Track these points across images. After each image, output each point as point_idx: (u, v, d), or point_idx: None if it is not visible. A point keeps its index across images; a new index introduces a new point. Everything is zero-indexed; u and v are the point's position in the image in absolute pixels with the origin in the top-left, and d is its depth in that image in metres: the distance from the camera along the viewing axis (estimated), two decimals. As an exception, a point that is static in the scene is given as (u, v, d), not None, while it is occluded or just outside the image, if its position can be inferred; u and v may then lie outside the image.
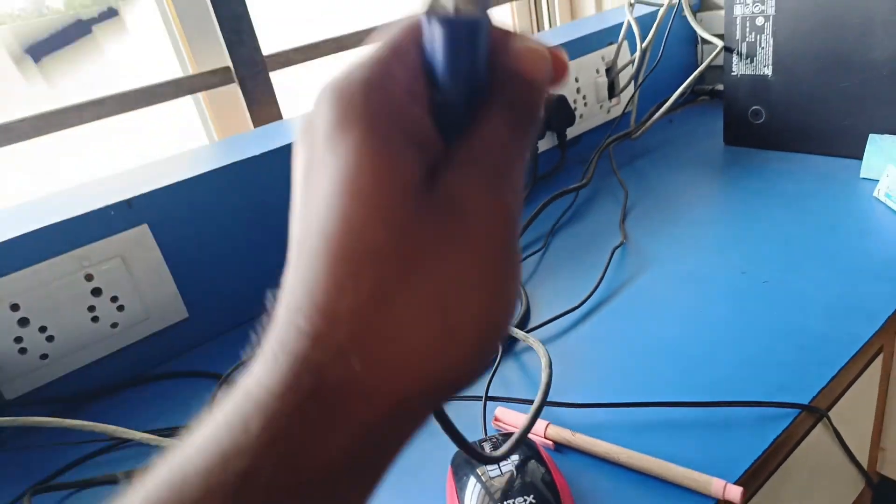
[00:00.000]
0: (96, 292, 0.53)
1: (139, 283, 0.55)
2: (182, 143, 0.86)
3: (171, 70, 0.80)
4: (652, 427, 0.40)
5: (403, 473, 0.41)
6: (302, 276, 0.15)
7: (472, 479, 0.35)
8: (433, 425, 0.21)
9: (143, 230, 0.55)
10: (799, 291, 0.50)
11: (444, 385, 0.16)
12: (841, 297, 0.48)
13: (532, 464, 0.35)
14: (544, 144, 0.80)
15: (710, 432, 0.38)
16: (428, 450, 0.42)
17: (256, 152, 0.60)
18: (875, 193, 0.61)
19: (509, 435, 0.37)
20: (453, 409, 0.47)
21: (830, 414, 0.41)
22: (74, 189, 0.61)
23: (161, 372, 0.56)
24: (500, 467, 0.35)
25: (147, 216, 0.55)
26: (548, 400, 0.42)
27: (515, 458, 0.36)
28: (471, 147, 0.16)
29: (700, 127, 0.88)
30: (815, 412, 0.39)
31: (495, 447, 0.37)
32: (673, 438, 0.38)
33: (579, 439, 0.39)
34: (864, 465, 0.50)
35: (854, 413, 0.46)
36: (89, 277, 0.52)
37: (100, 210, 0.53)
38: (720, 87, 0.89)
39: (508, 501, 0.33)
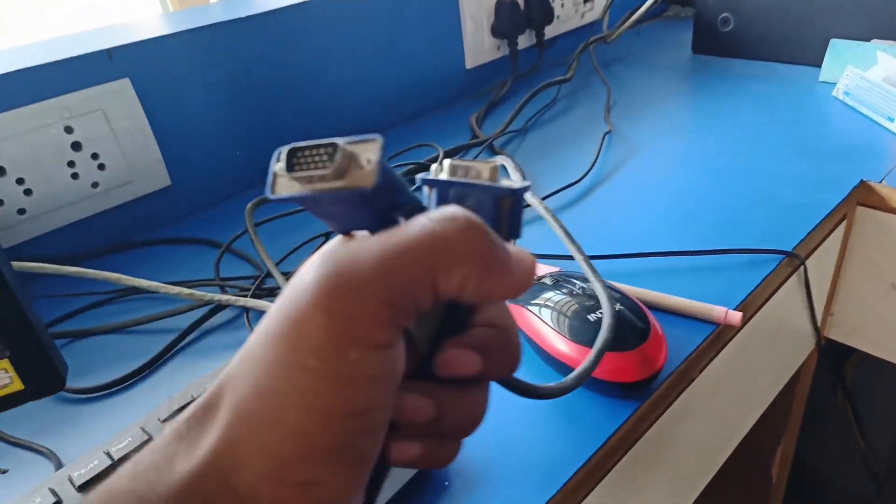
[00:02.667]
0: (76, 146, 0.50)
1: (121, 142, 0.52)
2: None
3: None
4: (653, 273, 0.43)
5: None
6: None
7: (540, 307, 0.35)
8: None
9: (125, 84, 0.51)
10: (771, 169, 0.54)
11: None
12: (808, 174, 0.52)
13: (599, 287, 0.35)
14: (523, 42, 0.81)
15: (704, 276, 0.42)
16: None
17: (243, 14, 0.57)
18: (834, 93, 0.66)
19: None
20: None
21: (807, 263, 0.46)
22: (50, 40, 0.56)
23: (151, 238, 0.54)
24: (561, 293, 0.35)
25: (129, 70, 0.51)
26: (559, 255, 0.45)
27: (572, 287, 0.36)
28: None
29: (667, 39, 0.91)
30: (795, 258, 0.44)
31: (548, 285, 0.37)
32: (672, 282, 0.42)
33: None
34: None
35: (818, 274, 0.52)
36: (69, 130, 0.49)
37: (80, 57, 0.49)
38: (691, -4, 0.92)
39: (597, 312, 0.33)
